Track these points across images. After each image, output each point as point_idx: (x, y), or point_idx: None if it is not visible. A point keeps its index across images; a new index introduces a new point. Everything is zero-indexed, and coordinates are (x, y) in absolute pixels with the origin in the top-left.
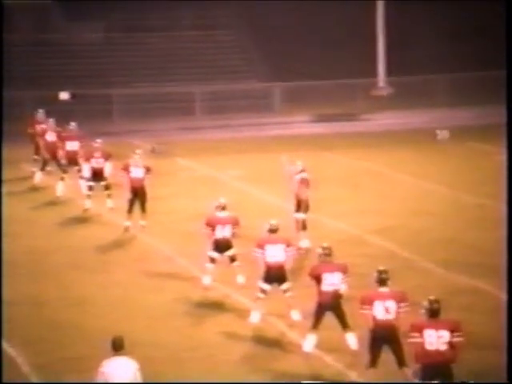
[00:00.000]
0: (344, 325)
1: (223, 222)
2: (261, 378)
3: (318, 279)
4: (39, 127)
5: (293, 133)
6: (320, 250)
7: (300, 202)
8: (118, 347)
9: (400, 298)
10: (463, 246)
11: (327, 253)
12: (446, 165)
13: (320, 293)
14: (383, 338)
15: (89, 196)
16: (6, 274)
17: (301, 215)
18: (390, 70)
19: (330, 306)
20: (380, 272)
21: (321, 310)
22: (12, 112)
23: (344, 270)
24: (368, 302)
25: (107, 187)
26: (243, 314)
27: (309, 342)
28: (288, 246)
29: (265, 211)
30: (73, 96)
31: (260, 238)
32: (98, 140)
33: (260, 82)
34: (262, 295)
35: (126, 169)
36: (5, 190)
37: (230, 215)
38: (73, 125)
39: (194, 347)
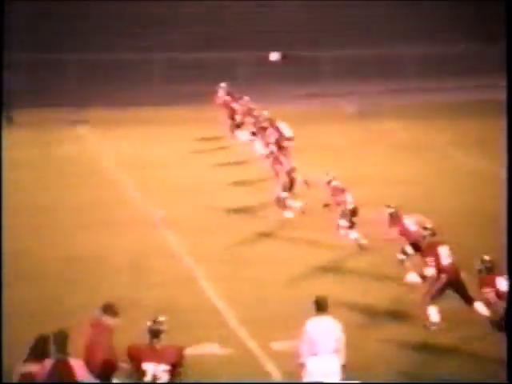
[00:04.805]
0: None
1: None
2: None
3: (435, 255)
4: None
5: None
6: (425, 232)
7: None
8: (321, 307)
9: None
10: None
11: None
12: None
13: (443, 268)
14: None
15: None
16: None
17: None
18: None
19: (454, 281)
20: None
21: (447, 285)
22: None
23: None
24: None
25: None
26: None
27: (434, 314)
28: None
29: None
30: (284, 57)
31: None
32: None
33: None
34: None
35: None
36: None
37: None
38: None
39: None
